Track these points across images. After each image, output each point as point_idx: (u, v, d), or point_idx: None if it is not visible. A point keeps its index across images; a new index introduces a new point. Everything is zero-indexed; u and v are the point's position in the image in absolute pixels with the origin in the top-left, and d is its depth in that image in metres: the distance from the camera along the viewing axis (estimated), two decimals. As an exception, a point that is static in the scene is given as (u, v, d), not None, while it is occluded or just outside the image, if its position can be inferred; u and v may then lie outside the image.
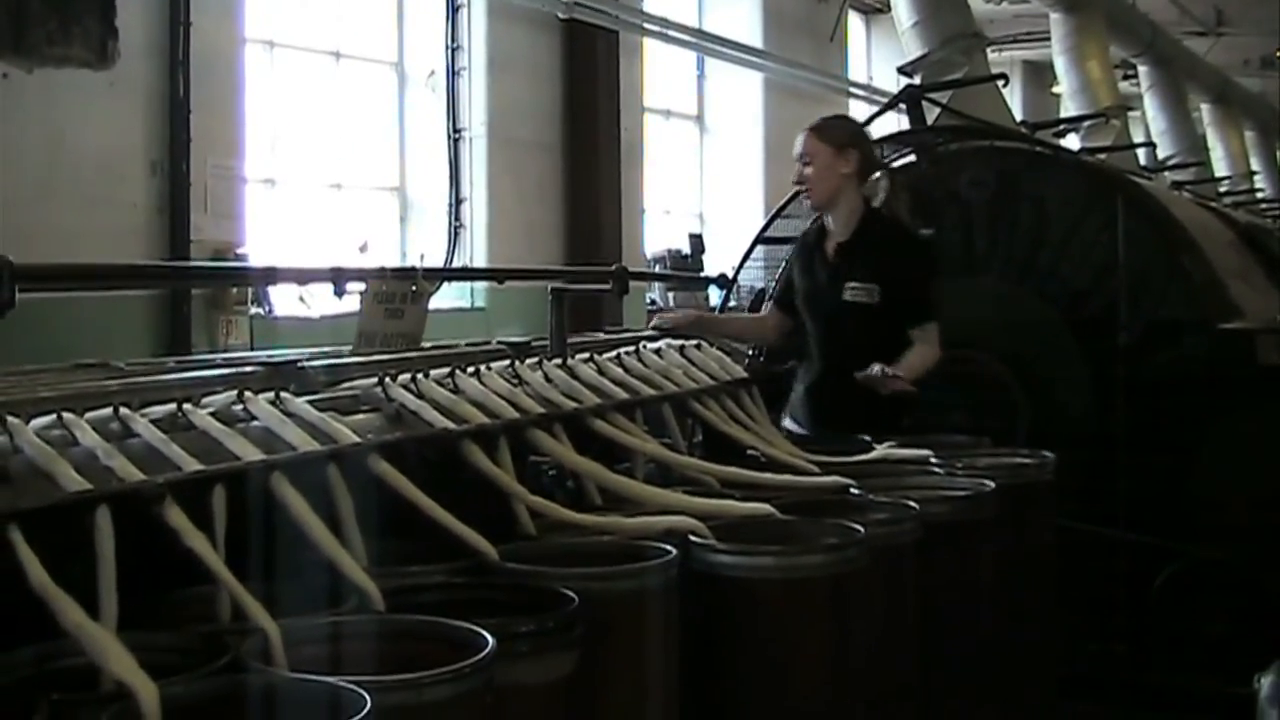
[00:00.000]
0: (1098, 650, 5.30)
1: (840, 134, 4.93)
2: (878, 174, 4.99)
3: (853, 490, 3.51)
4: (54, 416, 2.35)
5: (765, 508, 3.14)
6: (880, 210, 4.93)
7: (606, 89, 12.50)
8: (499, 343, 4.10)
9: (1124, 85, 16.82)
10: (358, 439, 2.64)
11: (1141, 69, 17.33)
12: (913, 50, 9.45)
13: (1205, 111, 19.85)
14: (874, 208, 4.91)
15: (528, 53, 11.99)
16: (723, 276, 6.20)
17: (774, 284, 5.56)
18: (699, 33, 14.41)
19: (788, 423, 4.78)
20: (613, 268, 4.81)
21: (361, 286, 3.56)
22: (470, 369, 3.22)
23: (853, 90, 17.34)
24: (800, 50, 15.87)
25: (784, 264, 5.36)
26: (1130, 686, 5.29)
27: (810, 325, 4.92)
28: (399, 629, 2.24)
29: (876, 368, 4.48)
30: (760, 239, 6.47)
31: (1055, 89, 15.93)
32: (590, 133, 12.33)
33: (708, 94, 15.40)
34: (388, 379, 3.00)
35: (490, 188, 11.56)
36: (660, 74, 14.34)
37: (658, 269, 12.07)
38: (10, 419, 2.26)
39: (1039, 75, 19.87)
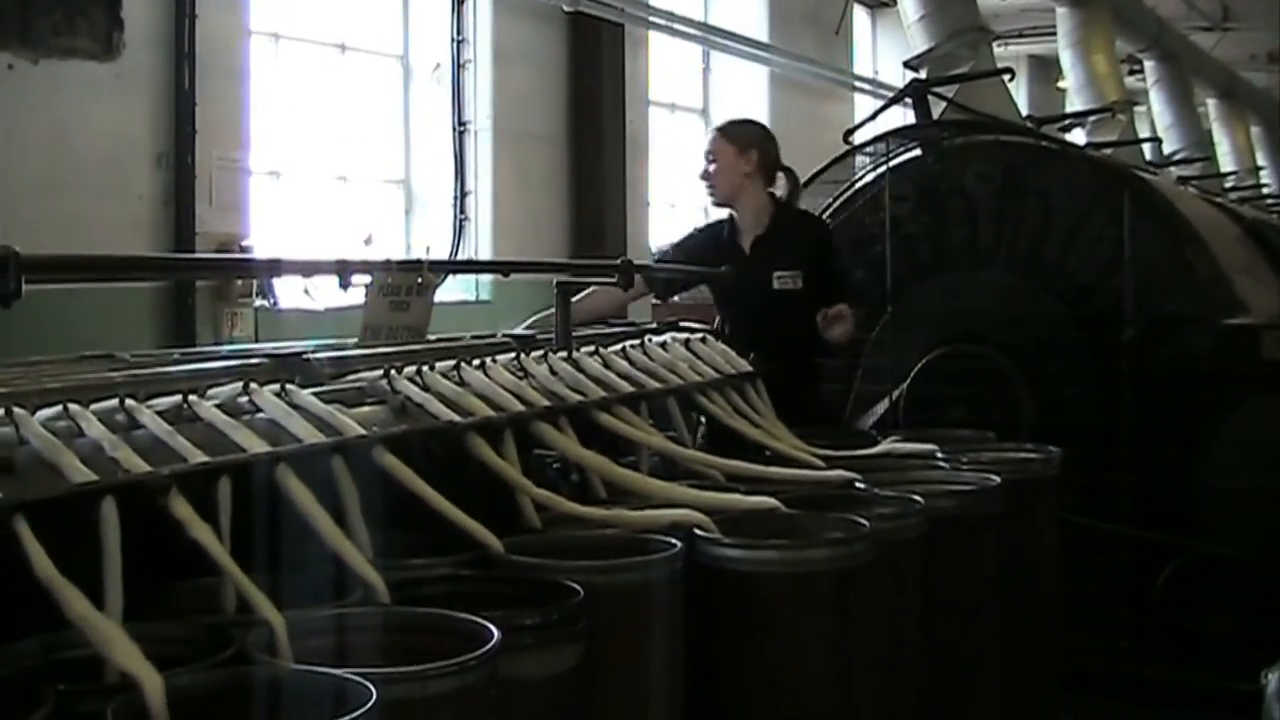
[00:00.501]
0: (1101, 645, 5.30)
1: (743, 136, 5.38)
2: (781, 173, 5.41)
3: (858, 484, 3.51)
4: (60, 408, 2.35)
5: (770, 501, 3.14)
6: (787, 203, 5.40)
7: (611, 82, 12.48)
8: (504, 335, 4.10)
9: (1130, 80, 16.79)
10: (363, 431, 2.64)
11: (1147, 64, 17.30)
12: (918, 44, 9.44)
13: (1211, 107, 19.81)
14: (781, 201, 5.38)
15: (533, 46, 11.98)
16: (731, 268, 6.17)
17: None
18: (704, 26, 14.39)
19: None
20: (618, 261, 4.80)
21: (366, 279, 3.55)
22: (475, 362, 3.22)
23: (858, 84, 17.30)
24: (806, 44, 15.84)
25: (681, 249, 5.61)
26: (1133, 681, 5.30)
27: (737, 316, 5.24)
28: (404, 621, 2.24)
29: (841, 306, 4.92)
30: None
31: (1061, 84, 15.89)
32: (595, 126, 12.32)
33: (713, 87, 15.37)
34: (393, 371, 3.00)
35: (495, 181, 11.55)
36: (665, 67, 14.31)
37: (663, 262, 12.05)
38: (16, 410, 2.26)
39: (1045, 70, 19.83)
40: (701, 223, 6.11)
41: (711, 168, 5.31)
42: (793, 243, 5.23)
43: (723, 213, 5.39)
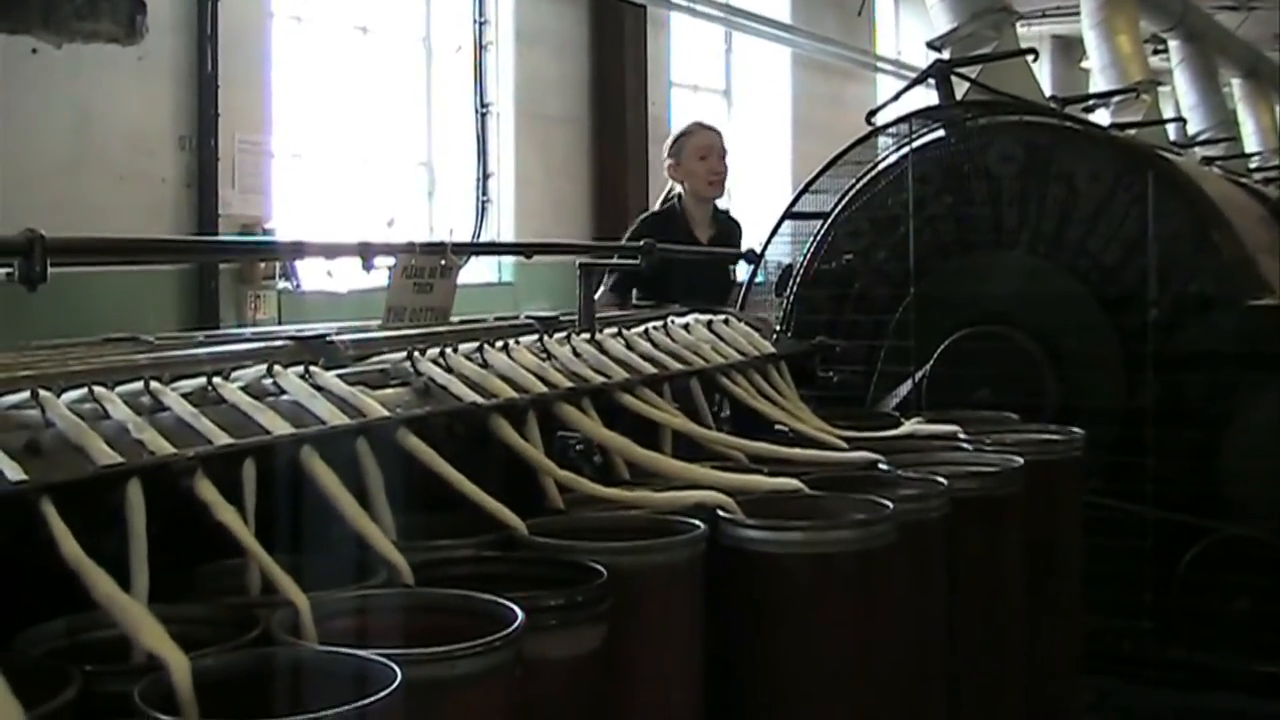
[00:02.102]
0: (1124, 627, 5.29)
1: None
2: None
3: (881, 466, 3.51)
4: (85, 390, 2.35)
5: (793, 483, 3.14)
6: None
7: (634, 63, 12.48)
8: (527, 317, 4.10)
9: (1154, 60, 16.69)
10: (387, 413, 2.65)
11: (1172, 44, 17.20)
12: (941, 25, 9.40)
13: (1236, 86, 19.68)
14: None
15: (555, 27, 11.97)
16: (750, 252, 6.19)
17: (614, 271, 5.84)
18: (727, 7, 14.36)
19: None
20: (641, 242, 4.80)
21: (389, 261, 3.56)
22: (499, 343, 3.22)
23: (881, 65, 17.27)
24: (828, 24, 15.81)
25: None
26: (1156, 663, 5.29)
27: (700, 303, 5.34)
28: (428, 602, 2.25)
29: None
30: (788, 214, 6.45)
31: (1085, 64, 15.84)
32: (617, 107, 12.32)
33: (735, 68, 15.35)
34: (416, 353, 3.00)
35: (517, 163, 11.57)
36: (688, 48, 14.29)
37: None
38: (42, 392, 2.27)
39: (1069, 50, 19.74)
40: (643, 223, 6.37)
41: (725, 163, 6.04)
42: (734, 236, 6.09)
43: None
